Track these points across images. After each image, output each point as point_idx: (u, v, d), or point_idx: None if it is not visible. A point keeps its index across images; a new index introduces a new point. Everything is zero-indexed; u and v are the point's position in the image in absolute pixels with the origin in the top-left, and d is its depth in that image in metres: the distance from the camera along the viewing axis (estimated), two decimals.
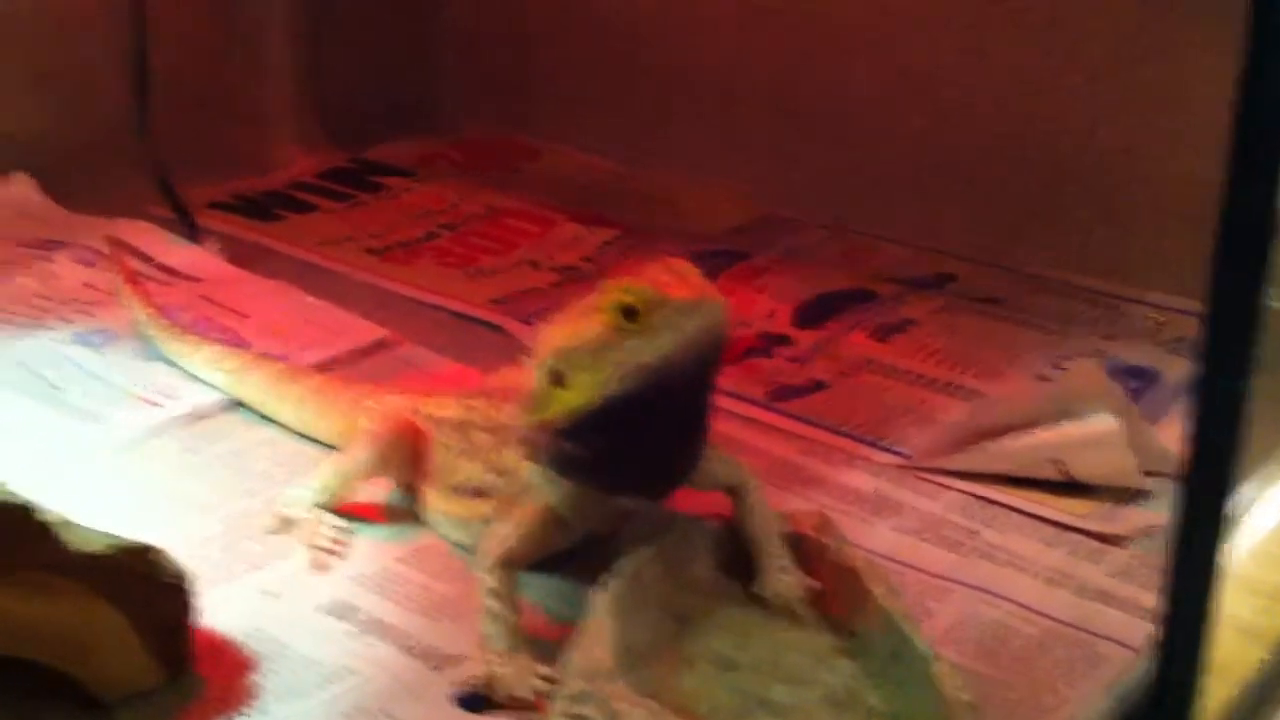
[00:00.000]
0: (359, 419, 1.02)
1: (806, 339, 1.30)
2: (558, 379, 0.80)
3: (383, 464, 0.98)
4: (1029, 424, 1.06)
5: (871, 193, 1.57)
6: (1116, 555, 0.97)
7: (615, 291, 0.78)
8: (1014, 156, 1.47)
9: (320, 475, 0.98)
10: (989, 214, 1.50)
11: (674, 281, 0.78)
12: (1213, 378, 0.72)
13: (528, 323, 1.29)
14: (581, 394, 0.79)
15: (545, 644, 0.83)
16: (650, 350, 0.77)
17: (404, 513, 0.99)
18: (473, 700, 0.81)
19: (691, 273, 0.80)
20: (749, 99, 1.64)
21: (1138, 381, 1.20)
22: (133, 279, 1.27)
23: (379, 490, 1.00)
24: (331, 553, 0.94)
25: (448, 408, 0.98)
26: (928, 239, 1.52)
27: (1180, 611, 0.76)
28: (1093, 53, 1.41)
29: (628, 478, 0.83)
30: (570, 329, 0.80)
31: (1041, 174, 1.46)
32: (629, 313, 0.77)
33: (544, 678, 0.80)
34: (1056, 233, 1.46)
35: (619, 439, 0.80)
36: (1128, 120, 1.40)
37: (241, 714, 0.79)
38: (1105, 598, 0.92)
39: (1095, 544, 0.98)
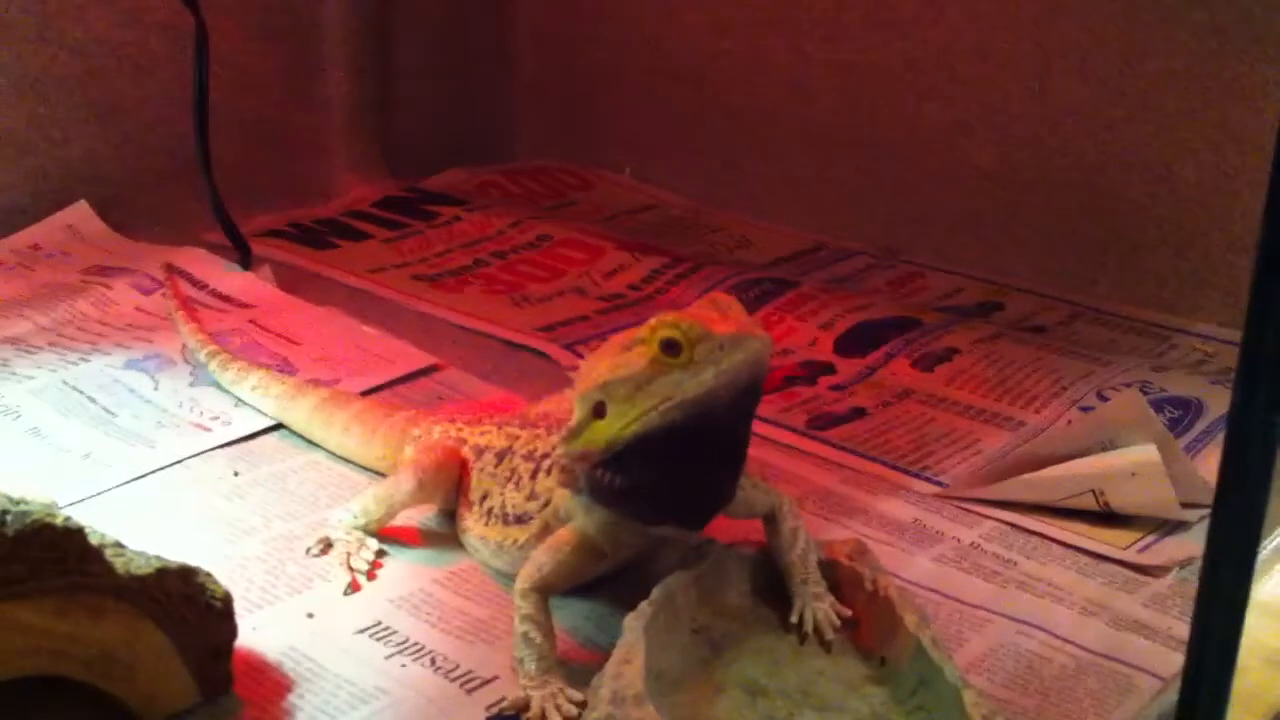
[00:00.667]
0: (404, 447, 1.04)
1: (849, 367, 1.30)
2: (599, 410, 0.81)
3: (425, 493, 0.99)
4: (1069, 455, 1.06)
5: (921, 223, 1.57)
6: (1153, 586, 0.97)
7: (659, 325, 0.79)
8: (1063, 188, 1.47)
9: (363, 500, 0.99)
10: (1037, 244, 1.50)
11: (717, 316, 0.79)
12: (1246, 408, 0.72)
13: (574, 350, 1.30)
14: (621, 425, 0.80)
15: (578, 668, 0.83)
16: (692, 385, 0.78)
17: (441, 536, 1.00)
18: None
19: (735, 307, 0.80)
20: (804, 132, 1.66)
21: (1180, 412, 1.19)
22: (185, 305, 1.29)
23: (417, 513, 1.01)
24: (370, 576, 0.95)
25: (489, 435, 0.99)
26: (974, 268, 1.52)
27: (1208, 641, 0.75)
28: (1148, 91, 1.41)
29: (665, 508, 0.84)
30: (613, 361, 0.81)
31: (1090, 205, 1.46)
32: (672, 347, 0.78)
33: (575, 702, 0.81)
34: (1105, 262, 1.46)
35: (657, 470, 0.81)
36: (1179, 153, 1.40)
37: None
38: (1140, 628, 0.92)
39: (1132, 574, 0.98)
